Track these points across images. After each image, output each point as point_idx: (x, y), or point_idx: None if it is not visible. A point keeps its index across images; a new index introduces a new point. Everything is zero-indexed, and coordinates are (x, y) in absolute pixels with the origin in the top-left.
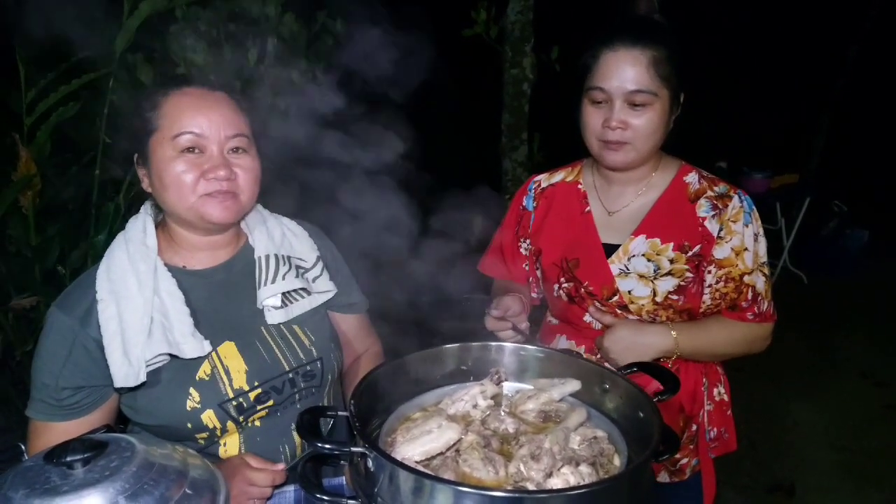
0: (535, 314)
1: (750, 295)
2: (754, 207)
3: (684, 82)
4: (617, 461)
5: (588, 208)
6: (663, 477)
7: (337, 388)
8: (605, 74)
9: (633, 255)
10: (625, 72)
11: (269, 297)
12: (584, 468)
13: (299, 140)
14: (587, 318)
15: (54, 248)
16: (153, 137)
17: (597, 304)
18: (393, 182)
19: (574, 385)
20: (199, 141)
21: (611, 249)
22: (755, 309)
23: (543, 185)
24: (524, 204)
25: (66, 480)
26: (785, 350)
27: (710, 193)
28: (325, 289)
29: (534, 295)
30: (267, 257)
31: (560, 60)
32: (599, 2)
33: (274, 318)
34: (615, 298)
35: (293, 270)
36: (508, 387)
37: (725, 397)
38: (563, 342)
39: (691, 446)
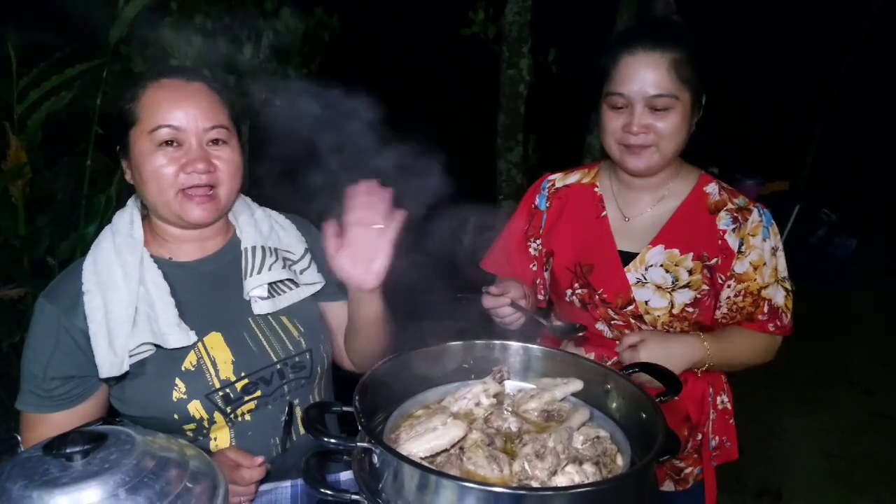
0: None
1: (766, 308)
2: (773, 222)
3: (706, 83)
4: (620, 461)
5: (604, 213)
6: (668, 486)
7: (328, 382)
8: (624, 79)
9: (651, 265)
10: (645, 76)
11: (255, 288)
12: (588, 467)
13: (289, 137)
14: (599, 325)
15: (43, 239)
16: (132, 130)
17: (610, 311)
18: (385, 181)
19: (576, 385)
20: (176, 134)
21: (627, 257)
22: (777, 322)
23: (558, 185)
24: (536, 203)
25: (66, 472)
26: (774, 357)
27: (730, 206)
28: (312, 280)
29: (540, 297)
30: (253, 248)
31: (557, 63)
32: (597, 6)
33: (261, 308)
34: (630, 308)
35: (280, 262)
36: (511, 385)
37: (728, 406)
38: (570, 349)
39: (695, 455)
